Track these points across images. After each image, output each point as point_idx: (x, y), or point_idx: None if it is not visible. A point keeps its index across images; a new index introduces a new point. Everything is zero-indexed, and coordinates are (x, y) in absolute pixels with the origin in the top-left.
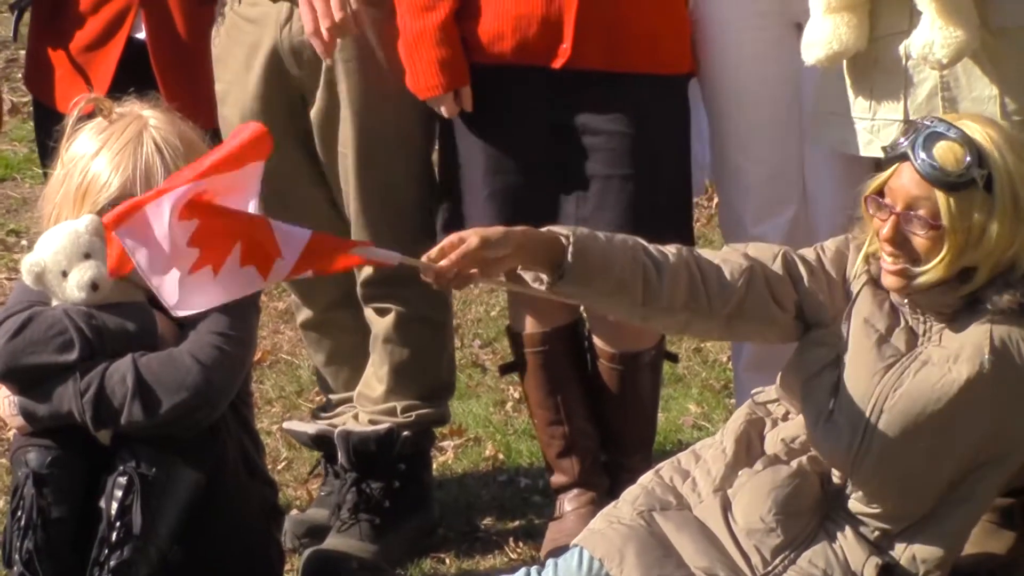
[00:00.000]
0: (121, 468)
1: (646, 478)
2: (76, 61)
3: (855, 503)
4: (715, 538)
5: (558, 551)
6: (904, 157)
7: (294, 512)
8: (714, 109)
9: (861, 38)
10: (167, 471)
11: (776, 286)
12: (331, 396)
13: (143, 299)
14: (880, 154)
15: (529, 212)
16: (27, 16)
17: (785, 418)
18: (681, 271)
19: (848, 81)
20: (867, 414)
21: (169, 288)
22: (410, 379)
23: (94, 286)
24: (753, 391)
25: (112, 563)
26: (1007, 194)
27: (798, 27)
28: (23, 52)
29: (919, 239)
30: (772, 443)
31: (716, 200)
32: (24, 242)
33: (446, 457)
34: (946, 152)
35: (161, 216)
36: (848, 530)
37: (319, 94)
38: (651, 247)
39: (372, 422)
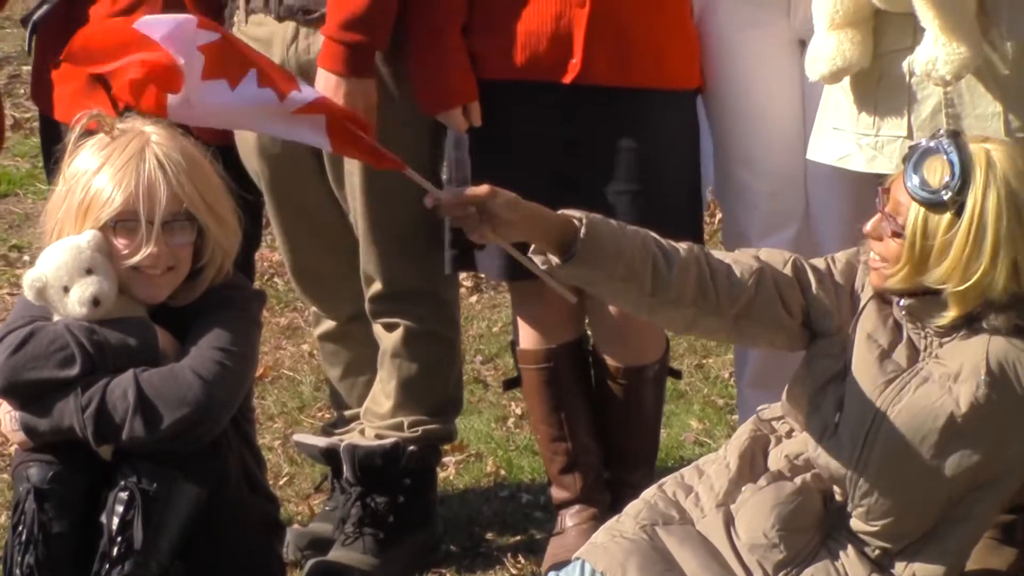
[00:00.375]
0: (122, 483)
1: (649, 492)
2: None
3: (856, 521)
4: (718, 553)
5: (559, 566)
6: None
7: (296, 526)
8: (718, 125)
9: (865, 55)
10: (168, 486)
11: (785, 290)
12: (345, 412)
13: (144, 314)
14: (883, 170)
15: None
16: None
17: (789, 435)
18: (691, 265)
19: (852, 97)
20: (867, 429)
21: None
22: (417, 395)
23: (95, 302)
24: (759, 408)
25: None
26: (974, 227)
27: (802, 44)
28: (26, 68)
29: (888, 243)
30: (776, 459)
31: (719, 216)
32: (26, 257)
33: (448, 473)
34: (928, 167)
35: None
36: (850, 548)
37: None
38: (662, 240)
39: (379, 437)
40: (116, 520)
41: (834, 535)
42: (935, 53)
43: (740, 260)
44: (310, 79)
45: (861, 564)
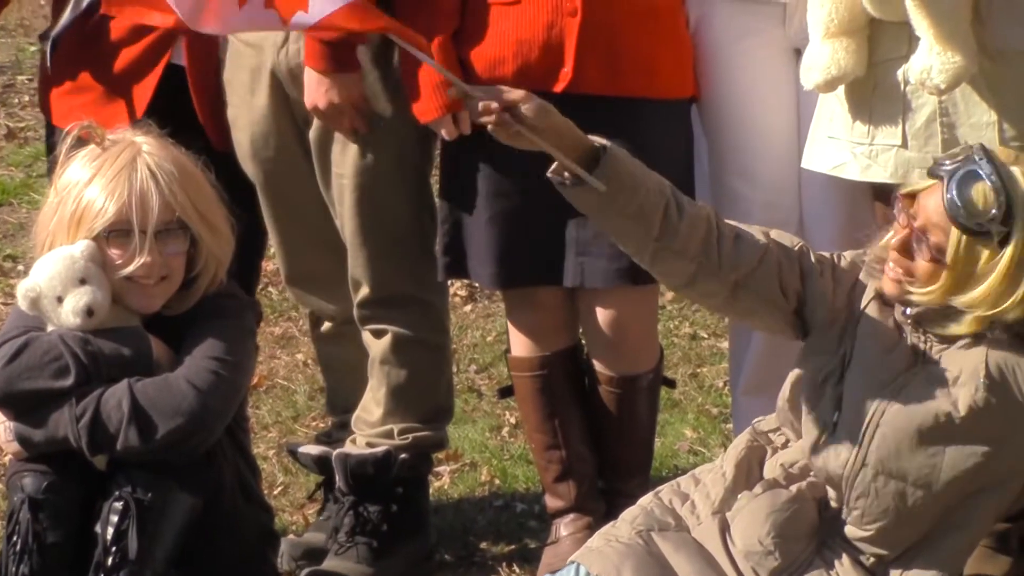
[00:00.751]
0: (117, 493)
1: (645, 499)
2: (111, 88)
3: (851, 528)
4: (713, 560)
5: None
6: (940, 179)
7: (291, 536)
8: (713, 134)
9: (860, 63)
10: (163, 496)
11: (785, 272)
12: (342, 416)
13: (138, 324)
14: (878, 179)
15: (530, 235)
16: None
17: (785, 446)
18: (701, 222)
19: (846, 106)
20: (864, 429)
21: None
22: (407, 402)
23: (89, 312)
24: (755, 420)
25: None
26: (1016, 261)
27: (797, 52)
28: (21, 78)
29: (921, 263)
30: (771, 468)
31: None
32: (20, 267)
33: (442, 482)
34: (975, 194)
35: None
36: (845, 557)
37: (316, 120)
38: (679, 192)
39: (370, 445)
40: (111, 530)
41: (829, 543)
42: (930, 62)
43: (750, 231)
44: (299, 82)
45: (856, 572)
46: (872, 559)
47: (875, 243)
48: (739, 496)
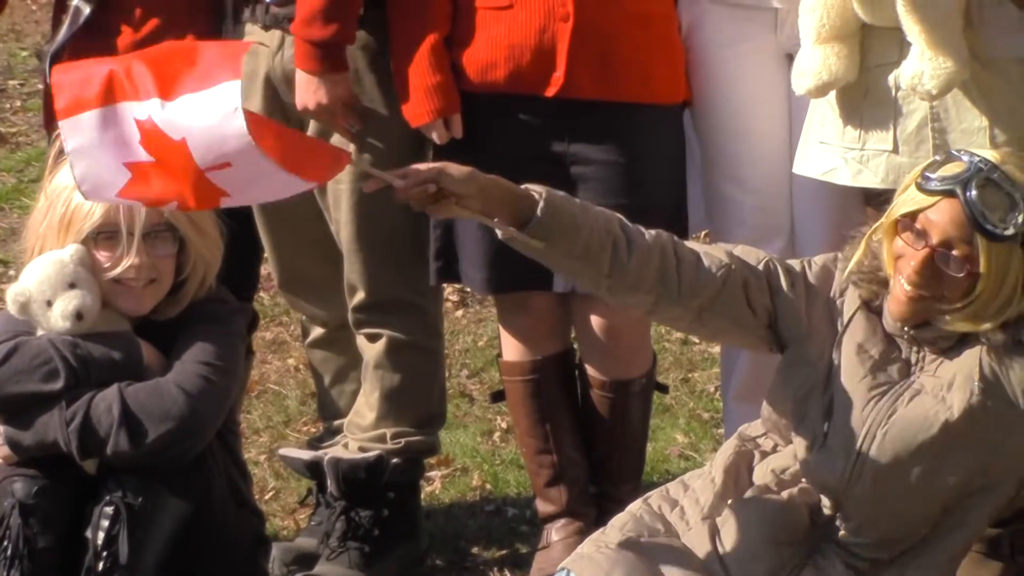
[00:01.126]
0: (107, 498)
1: (634, 506)
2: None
3: (846, 533)
4: (703, 565)
5: None
6: (951, 194)
7: (282, 541)
8: (705, 139)
9: (851, 68)
10: (153, 501)
11: (752, 291)
12: (332, 423)
13: (128, 328)
14: (869, 184)
15: None
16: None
17: (774, 450)
18: (654, 253)
19: (838, 111)
20: (860, 440)
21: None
22: (400, 406)
23: (79, 316)
24: (741, 427)
25: None
26: None
27: (789, 58)
28: (12, 83)
29: (953, 279)
30: (762, 473)
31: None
32: (12, 272)
33: (433, 487)
34: (1000, 202)
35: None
36: (837, 561)
37: (312, 122)
38: (631, 225)
39: (362, 449)
40: (101, 535)
41: (822, 548)
42: (921, 67)
43: (711, 254)
44: (294, 87)
45: None
46: (867, 563)
47: (852, 248)
48: (729, 502)
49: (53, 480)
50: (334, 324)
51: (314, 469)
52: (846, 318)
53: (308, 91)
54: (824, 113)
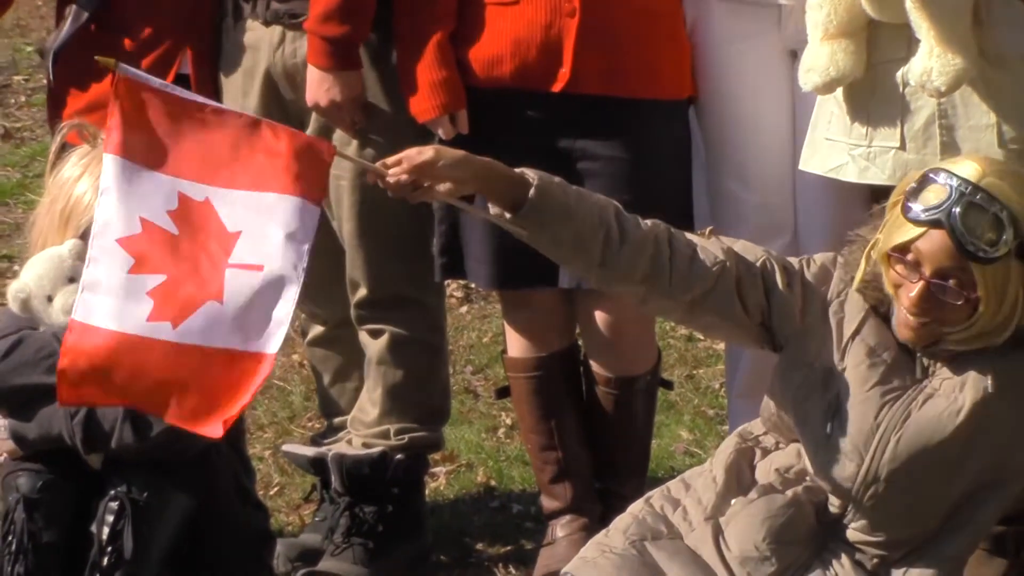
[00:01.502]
0: (112, 493)
1: (636, 507)
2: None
3: (854, 532)
4: (707, 566)
5: None
6: (937, 224)
7: (286, 537)
8: (710, 136)
9: (859, 65)
10: (158, 496)
11: (746, 288)
12: (333, 420)
13: None
14: (875, 181)
15: None
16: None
17: (776, 447)
18: (648, 244)
19: (845, 108)
20: (874, 444)
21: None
22: (404, 402)
23: None
24: (741, 426)
25: None
26: None
27: (793, 55)
28: (16, 78)
29: (953, 307)
30: (765, 472)
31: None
32: (16, 267)
33: (438, 483)
34: (987, 227)
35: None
36: (845, 558)
37: (313, 117)
38: (627, 214)
39: (365, 445)
40: (106, 530)
41: (829, 546)
42: (930, 64)
43: (707, 248)
44: (295, 83)
45: (856, 573)
46: (875, 560)
47: (852, 250)
48: (733, 501)
49: (58, 475)
50: (334, 322)
51: (318, 465)
52: (853, 321)
53: (321, 88)
54: (831, 110)
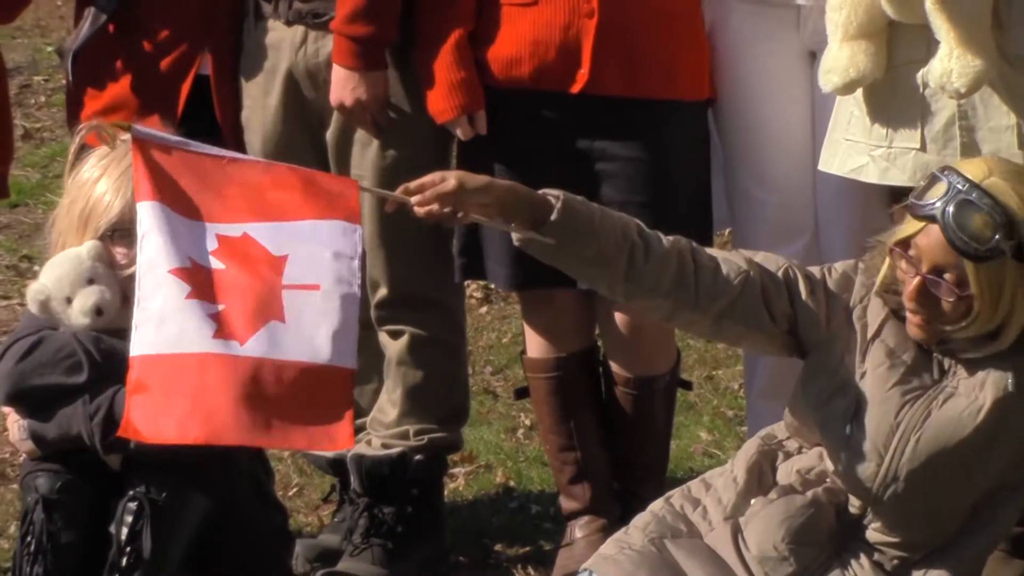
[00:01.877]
0: (131, 493)
1: (656, 505)
2: (143, 105)
3: (874, 533)
4: (726, 566)
5: None
6: (933, 219)
7: (305, 538)
8: (728, 137)
9: (879, 66)
10: (177, 496)
11: (771, 296)
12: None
13: None
14: (896, 182)
15: None
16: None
17: (799, 452)
18: (672, 258)
19: (865, 109)
20: (894, 444)
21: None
22: (423, 403)
23: (98, 311)
24: (761, 432)
25: None
26: None
27: (812, 55)
28: (37, 79)
29: (947, 303)
30: (786, 473)
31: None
32: (36, 268)
33: (457, 483)
34: (977, 224)
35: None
36: (864, 559)
37: (334, 116)
38: (649, 230)
39: (385, 446)
40: (125, 530)
41: (848, 547)
42: (950, 66)
43: (730, 260)
44: (317, 83)
45: (875, 574)
46: (894, 561)
47: (873, 256)
48: (752, 501)
49: (77, 475)
50: None
51: (337, 466)
52: (874, 324)
53: (347, 87)
54: (850, 111)
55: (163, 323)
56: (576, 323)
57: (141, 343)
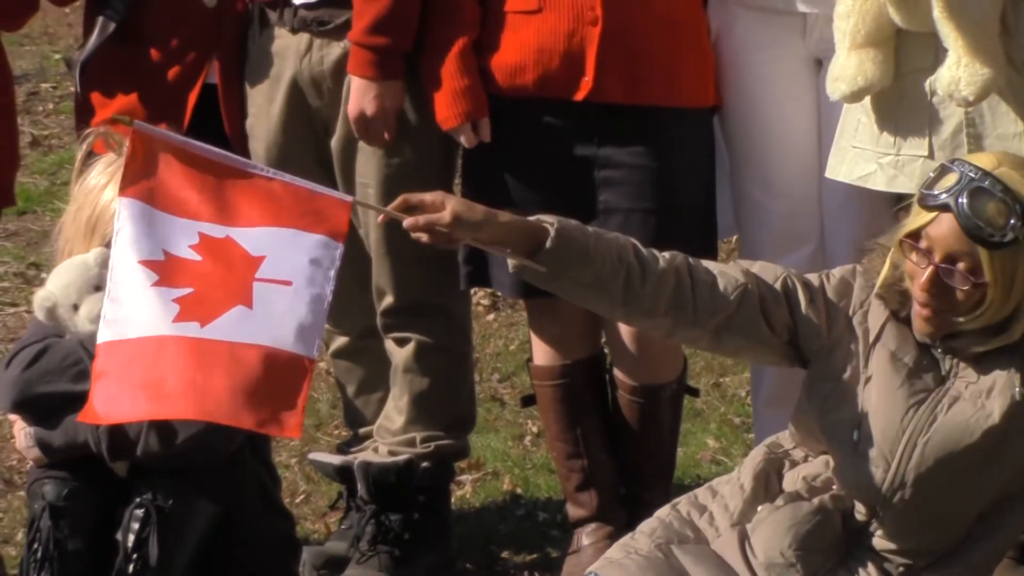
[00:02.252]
0: (138, 500)
1: (663, 511)
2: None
3: (880, 540)
4: (733, 572)
5: None
6: (946, 208)
7: (312, 545)
8: (734, 144)
9: (887, 74)
10: (184, 503)
11: (770, 307)
12: (359, 430)
13: None
14: (904, 190)
15: None
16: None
17: (805, 460)
18: (669, 277)
19: (873, 116)
20: (900, 450)
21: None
22: (430, 410)
23: None
24: (767, 440)
25: None
26: None
27: (817, 63)
28: (44, 86)
29: (960, 292)
30: (793, 480)
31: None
32: (44, 275)
33: (464, 491)
34: (992, 210)
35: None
36: (871, 566)
37: (339, 124)
38: (644, 249)
39: (392, 453)
40: (132, 537)
41: (855, 554)
42: (958, 74)
43: (727, 273)
44: (322, 90)
45: None
46: (901, 568)
47: (872, 259)
48: (759, 508)
49: (83, 483)
50: (357, 333)
51: (344, 473)
52: (875, 328)
53: (365, 97)
54: (858, 118)
55: (127, 309)
56: (582, 331)
57: (105, 331)
